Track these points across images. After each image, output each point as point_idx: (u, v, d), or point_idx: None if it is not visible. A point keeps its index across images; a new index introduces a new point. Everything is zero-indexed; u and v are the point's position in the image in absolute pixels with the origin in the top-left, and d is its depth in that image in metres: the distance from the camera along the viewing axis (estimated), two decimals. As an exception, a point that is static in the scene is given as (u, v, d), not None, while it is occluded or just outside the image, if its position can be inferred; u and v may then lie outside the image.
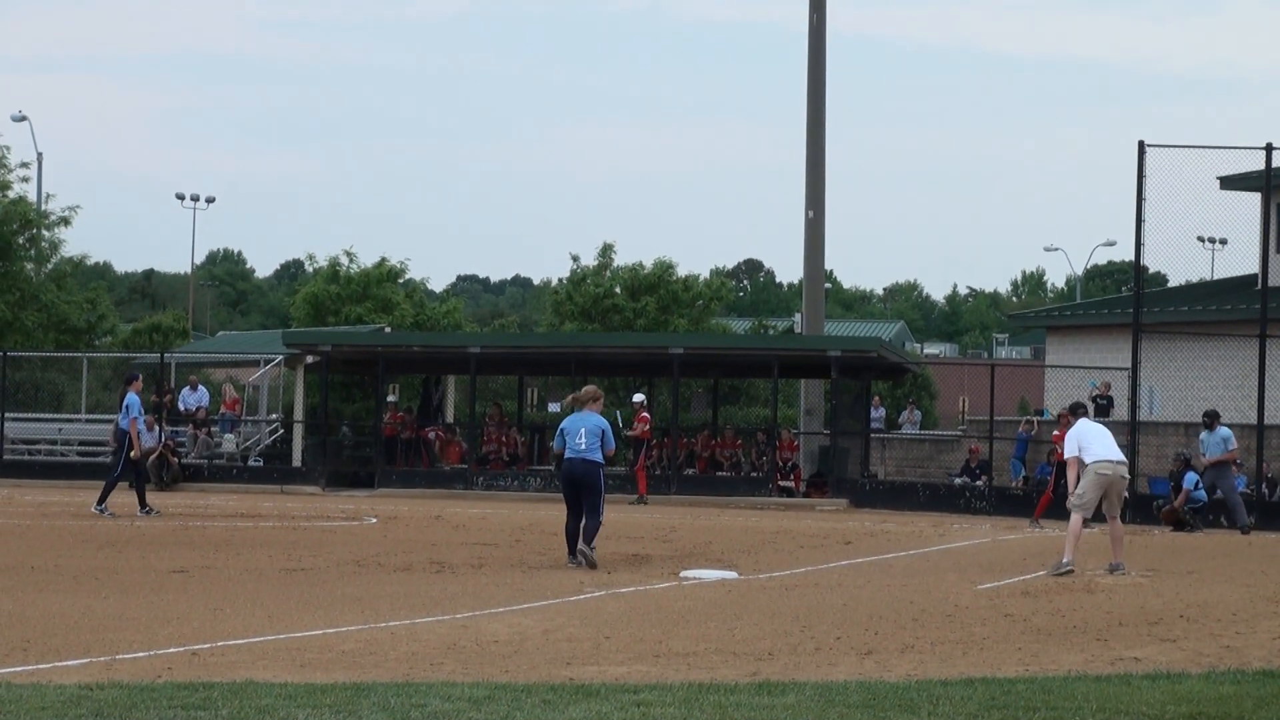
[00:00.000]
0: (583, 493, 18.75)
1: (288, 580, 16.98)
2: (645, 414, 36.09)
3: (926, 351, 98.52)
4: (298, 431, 40.83)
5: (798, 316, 61.59)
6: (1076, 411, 19.38)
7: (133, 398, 26.54)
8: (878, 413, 43.81)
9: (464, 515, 28.32)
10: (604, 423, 18.89)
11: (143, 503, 26.56)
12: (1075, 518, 18.57)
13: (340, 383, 46.34)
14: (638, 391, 39.60)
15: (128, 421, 26.39)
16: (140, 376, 28.49)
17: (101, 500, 26.35)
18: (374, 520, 26.75)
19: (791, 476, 37.31)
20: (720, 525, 26.98)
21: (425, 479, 37.94)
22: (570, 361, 39.83)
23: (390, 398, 40.05)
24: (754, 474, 37.93)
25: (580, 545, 18.73)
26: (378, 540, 22.53)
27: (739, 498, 35.40)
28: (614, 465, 41.21)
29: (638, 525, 26.13)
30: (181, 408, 40.18)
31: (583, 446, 18.63)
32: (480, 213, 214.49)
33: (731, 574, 18.34)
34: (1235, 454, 29.95)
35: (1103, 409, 39.32)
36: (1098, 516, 19.13)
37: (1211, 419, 29.72)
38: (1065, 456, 18.93)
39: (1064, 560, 18.26)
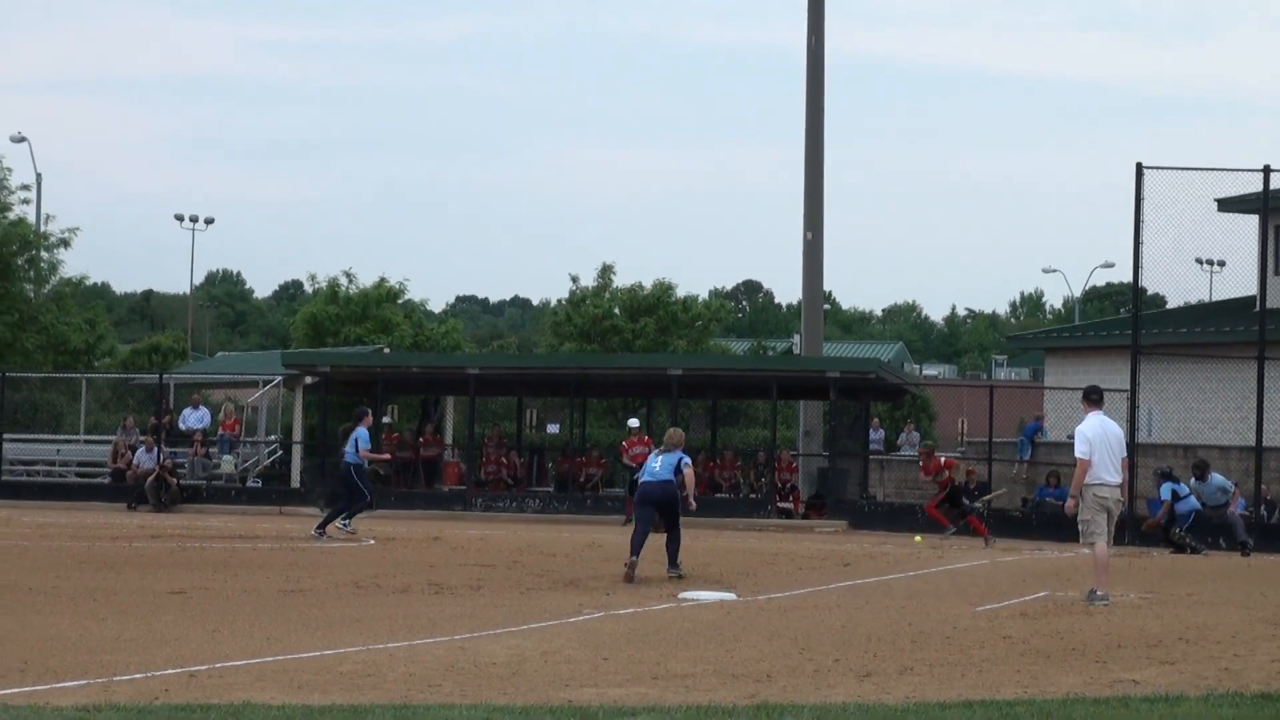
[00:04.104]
0: (661, 512, 20.71)
1: (286, 601, 16.95)
2: (645, 439, 36.10)
3: (925, 373, 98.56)
4: (296, 452, 40.79)
5: (796, 338, 61.64)
6: (1091, 398, 18.27)
7: (362, 431, 27.03)
8: (876, 434, 43.82)
9: (462, 537, 28.28)
10: (682, 456, 20.99)
11: (324, 526, 26.69)
12: (1099, 546, 17.78)
13: (339, 403, 46.32)
14: (633, 417, 39.63)
15: (354, 454, 26.86)
16: (370, 413, 28.99)
17: (324, 524, 26.70)
18: (372, 542, 26.70)
19: (790, 498, 37.27)
20: (719, 547, 26.95)
21: (424, 500, 37.91)
22: (569, 382, 39.85)
23: (385, 419, 39.99)
24: (753, 495, 37.88)
25: (669, 572, 20.40)
26: (376, 561, 22.50)
27: (738, 519, 35.36)
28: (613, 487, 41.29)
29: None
30: (183, 426, 40.17)
31: (658, 468, 20.73)
32: (479, 234, 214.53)
33: (730, 595, 18.32)
34: (1238, 493, 30.03)
35: None
36: (1073, 536, 18.45)
37: (1202, 470, 29.66)
38: (1077, 454, 18.02)
39: (1098, 592, 17.56)
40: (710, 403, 44.99)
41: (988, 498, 33.59)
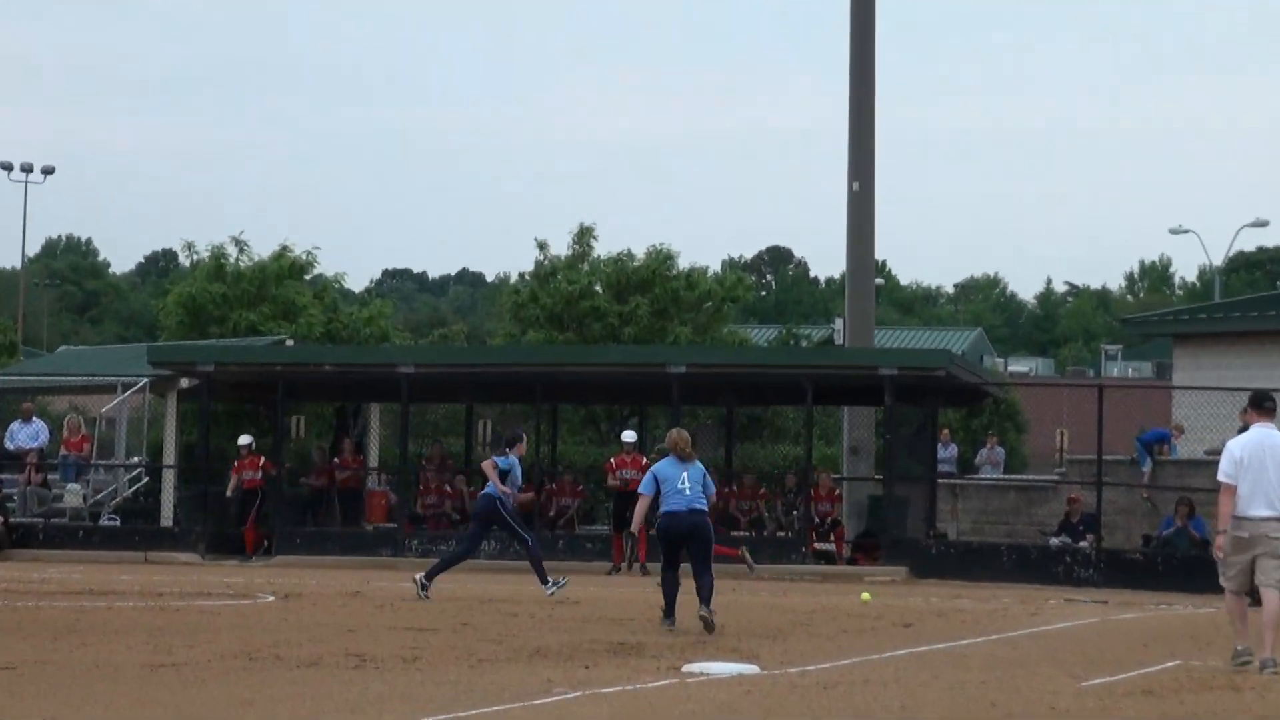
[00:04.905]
0: (692, 546, 21.96)
1: (153, 680, 16.89)
2: (641, 458, 36.17)
3: (1012, 369, 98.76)
4: (169, 480, 40.72)
5: (839, 322, 61.58)
6: (1264, 407, 18.49)
7: (511, 461, 27.29)
8: (947, 450, 43.78)
9: (392, 591, 28.26)
10: (703, 468, 22.33)
11: (544, 578, 26.91)
12: (1227, 595, 18.10)
13: (227, 413, 46.27)
14: (628, 429, 39.64)
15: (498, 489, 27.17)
16: (524, 438, 29.23)
17: (430, 575, 27.00)
18: (271, 598, 26.67)
19: (832, 536, 37.26)
20: (736, 602, 26.92)
21: (340, 543, 37.88)
22: (535, 384, 39.80)
23: (243, 440, 39.34)
24: (781, 533, 37.86)
25: (700, 610, 21.52)
26: (276, 625, 22.49)
27: (761, 565, 35.33)
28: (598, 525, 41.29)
29: (626, 603, 26.10)
30: (11, 445, 40.07)
31: (687, 492, 21.94)
32: (414, 189, 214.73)
33: (751, 668, 18.30)
34: None
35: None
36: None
37: None
38: (1219, 477, 18.24)
39: (1237, 648, 17.98)
40: (724, 410, 44.95)
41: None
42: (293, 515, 39.51)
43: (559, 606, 25.44)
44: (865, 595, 28.60)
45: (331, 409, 46.67)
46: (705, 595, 21.72)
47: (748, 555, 32.49)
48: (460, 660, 18.91)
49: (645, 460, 36.19)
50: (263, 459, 38.82)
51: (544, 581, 26.79)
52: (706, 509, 22.25)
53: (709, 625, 21.53)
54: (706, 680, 17.32)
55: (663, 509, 22.18)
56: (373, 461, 42.32)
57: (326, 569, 34.53)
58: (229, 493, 38.56)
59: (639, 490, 23.06)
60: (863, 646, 20.97)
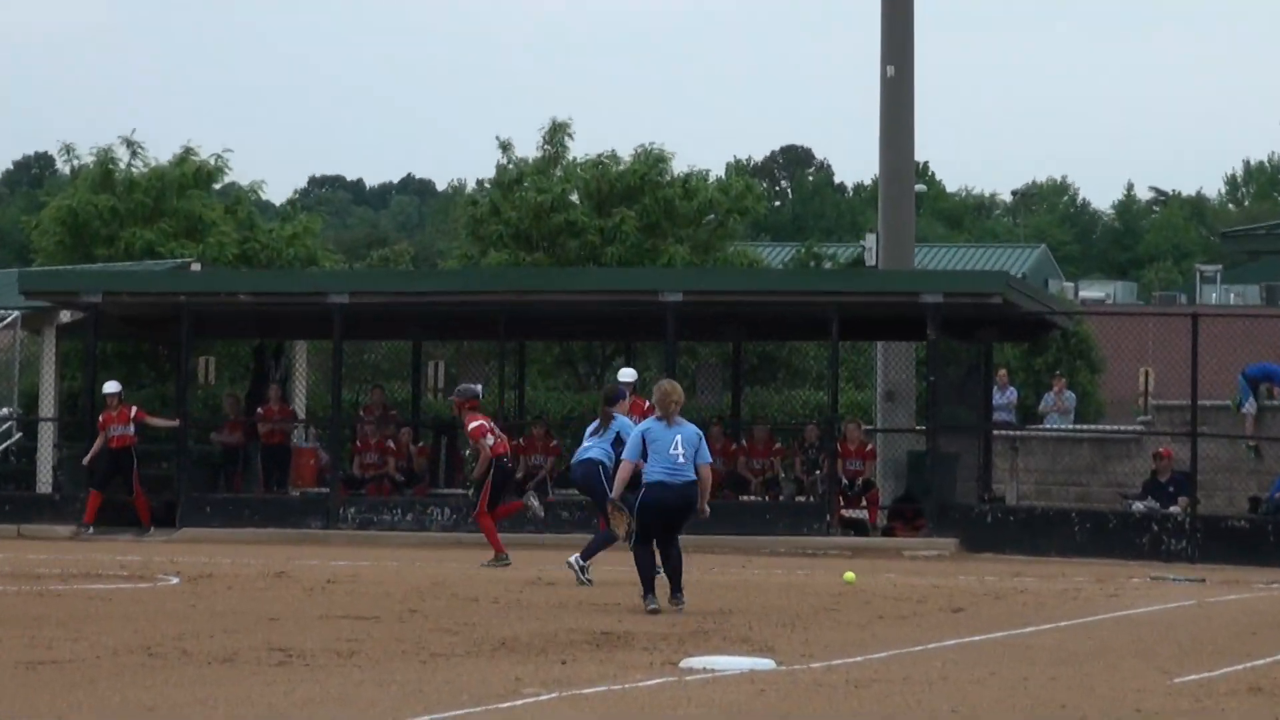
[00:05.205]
0: (674, 522, 23.05)
1: (30, 680, 16.88)
2: (643, 402, 36.13)
3: (1084, 295, 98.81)
4: (46, 436, 40.64)
5: (870, 239, 61.63)
6: None
7: (623, 422, 27.47)
8: (1005, 395, 43.80)
9: (323, 571, 28.31)
10: (698, 430, 23.17)
11: (589, 555, 26.92)
12: None
13: (118, 354, 46.22)
14: (626, 368, 39.58)
15: (607, 449, 27.22)
16: (627, 394, 29.93)
17: (588, 554, 26.92)
18: (175, 580, 26.65)
19: (863, 501, 37.27)
20: (747, 582, 26.96)
21: (260, 512, 37.85)
22: (498, 316, 39.76)
23: (109, 388, 38.90)
24: (801, 498, 37.86)
25: (672, 601, 22.80)
26: (182, 613, 22.52)
27: (777, 537, 35.39)
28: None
29: (610, 584, 26.11)
30: None
31: (680, 457, 22.76)
32: (346, 76, 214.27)
33: (766, 662, 18.30)
34: None
35: None
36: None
37: None
38: None
39: None
40: (730, 347, 44.94)
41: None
42: (201, 479, 39.47)
43: (528, 589, 25.46)
44: (849, 575, 28.46)
45: (248, 348, 46.58)
46: (676, 578, 22.96)
47: (533, 501, 32.61)
48: (408, 655, 18.91)
49: (647, 402, 36.15)
50: (134, 410, 38.56)
51: (584, 556, 26.72)
52: (695, 480, 22.86)
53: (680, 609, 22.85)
54: (711, 678, 17.31)
55: (652, 478, 22.65)
56: (300, 412, 42.26)
57: (243, 544, 34.53)
58: (87, 459, 38.08)
59: (624, 455, 23.36)
60: (902, 636, 21.00)
